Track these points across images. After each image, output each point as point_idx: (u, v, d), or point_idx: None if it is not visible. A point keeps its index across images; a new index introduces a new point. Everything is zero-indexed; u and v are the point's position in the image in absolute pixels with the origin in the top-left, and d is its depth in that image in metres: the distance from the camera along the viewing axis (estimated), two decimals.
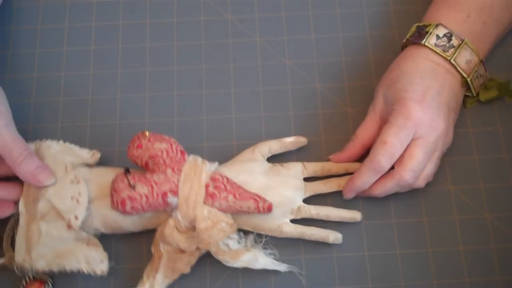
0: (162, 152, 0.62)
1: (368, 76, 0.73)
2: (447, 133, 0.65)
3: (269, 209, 0.62)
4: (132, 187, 0.60)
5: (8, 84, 0.73)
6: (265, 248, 0.63)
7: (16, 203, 0.63)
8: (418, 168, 0.63)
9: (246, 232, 0.64)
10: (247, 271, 0.63)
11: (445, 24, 0.67)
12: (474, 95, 0.69)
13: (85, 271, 0.61)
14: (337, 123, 0.71)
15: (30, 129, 0.70)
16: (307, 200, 0.65)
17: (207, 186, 0.61)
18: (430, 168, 0.64)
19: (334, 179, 0.66)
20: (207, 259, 0.63)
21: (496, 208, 0.67)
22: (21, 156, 0.62)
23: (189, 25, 0.76)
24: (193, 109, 0.72)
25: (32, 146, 0.65)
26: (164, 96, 0.73)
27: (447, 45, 0.66)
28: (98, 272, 0.61)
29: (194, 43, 0.75)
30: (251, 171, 0.64)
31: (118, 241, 0.65)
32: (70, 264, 0.61)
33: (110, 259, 0.62)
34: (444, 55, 0.66)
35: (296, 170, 0.66)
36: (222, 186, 0.62)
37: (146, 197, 0.60)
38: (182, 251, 0.62)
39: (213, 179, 0.62)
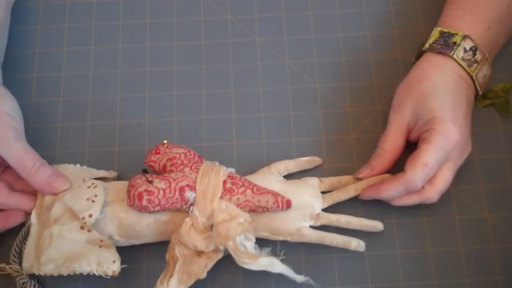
0: (180, 155, 0.62)
1: (368, 76, 0.73)
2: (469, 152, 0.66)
3: (288, 204, 0.61)
4: (150, 182, 0.60)
5: (8, 84, 0.73)
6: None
7: (27, 213, 0.63)
8: (446, 189, 0.64)
9: (261, 246, 0.62)
10: (247, 272, 0.63)
11: (471, 36, 0.66)
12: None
13: (95, 273, 0.60)
14: (337, 123, 0.71)
15: (30, 129, 0.70)
16: (325, 210, 0.65)
17: (224, 182, 0.61)
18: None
19: (351, 185, 0.65)
20: None
21: (496, 208, 0.67)
22: (34, 167, 0.62)
23: (189, 25, 0.76)
24: (193, 109, 0.72)
25: None
26: (164, 96, 0.73)
27: (472, 59, 0.66)
28: (109, 273, 0.60)
29: (194, 43, 0.75)
30: (268, 181, 0.64)
31: None
32: (80, 266, 0.59)
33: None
34: (468, 70, 0.66)
35: (313, 182, 0.65)
36: (240, 183, 0.61)
37: (164, 191, 0.59)
38: (198, 254, 0.60)
39: (230, 176, 0.62)
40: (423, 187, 0.63)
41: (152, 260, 0.65)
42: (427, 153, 0.62)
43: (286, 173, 0.67)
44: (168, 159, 0.62)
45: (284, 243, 0.64)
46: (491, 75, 0.69)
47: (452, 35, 0.66)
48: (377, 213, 0.66)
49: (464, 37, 0.66)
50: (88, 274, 0.60)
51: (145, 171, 0.61)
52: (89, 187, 0.62)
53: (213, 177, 0.61)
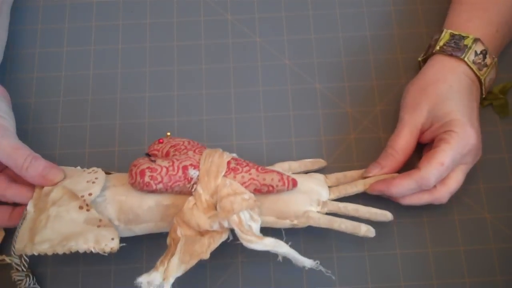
0: (183, 141, 0.62)
1: (368, 76, 0.73)
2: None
3: (294, 183, 0.60)
4: (153, 161, 0.59)
5: (8, 84, 0.73)
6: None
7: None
8: (456, 191, 0.64)
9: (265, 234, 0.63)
10: (247, 271, 0.63)
11: (482, 40, 0.66)
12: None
13: (93, 250, 0.57)
14: (337, 123, 0.71)
15: (30, 129, 0.70)
16: None
17: (228, 163, 0.60)
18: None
19: (359, 180, 0.65)
20: (207, 260, 0.63)
21: (496, 208, 0.67)
22: (26, 162, 0.62)
23: (189, 25, 0.76)
24: (193, 109, 0.72)
25: None
26: (164, 96, 0.73)
27: (482, 63, 0.66)
28: (108, 250, 0.57)
29: (194, 43, 0.75)
30: None
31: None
32: (77, 244, 0.57)
33: (110, 258, 0.62)
34: (479, 74, 0.66)
35: (319, 177, 0.65)
36: (244, 163, 0.61)
37: (167, 169, 0.58)
38: (201, 234, 0.58)
39: (234, 158, 0.61)
40: (435, 186, 0.63)
41: (152, 260, 0.65)
42: (445, 153, 0.61)
43: (290, 173, 0.67)
44: (171, 146, 0.62)
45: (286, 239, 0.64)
46: (496, 78, 0.69)
47: (463, 37, 0.66)
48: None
49: (475, 40, 0.66)
50: (85, 252, 0.58)
51: (147, 155, 0.61)
52: (89, 173, 0.62)
53: (217, 157, 0.60)
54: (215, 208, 0.58)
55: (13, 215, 0.63)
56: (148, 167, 0.58)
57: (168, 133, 0.64)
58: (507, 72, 0.72)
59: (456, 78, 0.65)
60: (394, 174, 0.64)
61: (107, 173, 0.65)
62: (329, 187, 0.65)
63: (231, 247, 0.61)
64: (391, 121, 0.67)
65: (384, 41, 0.75)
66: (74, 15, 0.77)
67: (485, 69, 0.66)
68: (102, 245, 0.57)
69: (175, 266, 0.56)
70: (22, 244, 0.58)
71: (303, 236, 0.66)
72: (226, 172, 0.59)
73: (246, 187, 0.59)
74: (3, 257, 0.63)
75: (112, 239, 0.58)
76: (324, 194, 0.63)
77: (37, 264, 0.64)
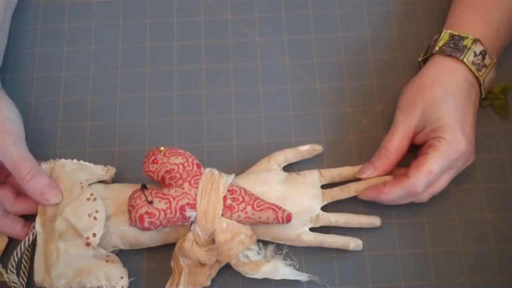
0: (178, 166, 0.62)
1: (368, 76, 0.73)
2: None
3: (288, 219, 0.61)
4: (150, 202, 0.60)
5: (8, 84, 0.73)
6: (284, 260, 0.63)
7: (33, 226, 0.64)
8: (439, 192, 0.64)
9: (265, 243, 0.64)
10: None
11: (481, 40, 0.66)
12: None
13: (105, 287, 0.61)
14: (337, 123, 0.71)
15: (30, 129, 0.70)
16: (324, 207, 0.65)
17: (224, 198, 0.61)
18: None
19: (351, 184, 0.65)
20: None
21: (496, 208, 0.67)
22: (29, 174, 0.62)
23: (189, 25, 0.76)
24: (193, 109, 0.72)
25: (46, 165, 0.65)
26: (164, 96, 0.73)
27: (481, 63, 0.65)
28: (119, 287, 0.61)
29: (194, 43, 0.75)
30: (268, 182, 0.64)
31: None
32: (90, 282, 0.60)
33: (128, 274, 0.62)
34: (477, 75, 0.66)
35: (313, 178, 0.65)
36: (240, 198, 0.61)
37: (164, 212, 0.60)
38: (202, 265, 0.62)
39: (230, 191, 0.62)
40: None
41: (152, 260, 0.65)
42: (434, 160, 0.62)
43: (286, 164, 0.67)
44: (166, 171, 0.62)
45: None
46: (495, 79, 0.69)
47: (463, 38, 0.66)
48: (377, 212, 0.66)
49: (475, 40, 0.66)
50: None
51: (144, 187, 0.61)
52: (88, 199, 0.62)
53: (213, 194, 0.61)
54: (213, 242, 0.61)
55: (25, 228, 0.64)
56: (147, 212, 0.59)
57: (162, 148, 0.63)
58: (508, 72, 0.72)
59: (453, 81, 0.65)
60: (386, 178, 0.65)
61: (102, 181, 0.65)
62: (324, 186, 0.66)
63: None
64: (391, 121, 0.67)
65: (384, 41, 0.75)
66: (74, 15, 0.77)
67: (484, 69, 0.66)
68: (113, 283, 0.61)
69: None
70: (40, 276, 0.61)
71: None
72: (222, 211, 0.61)
73: (242, 223, 0.61)
74: (2, 271, 0.63)
75: (121, 277, 0.61)
76: (317, 207, 0.64)
77: (31, 276, 0.64)
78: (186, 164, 0.62)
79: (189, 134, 0.71)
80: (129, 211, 0.60)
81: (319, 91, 0.73)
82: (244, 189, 0.62)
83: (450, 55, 0.66)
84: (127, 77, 0.74)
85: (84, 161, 0.67)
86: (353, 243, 0.64)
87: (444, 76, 0.65)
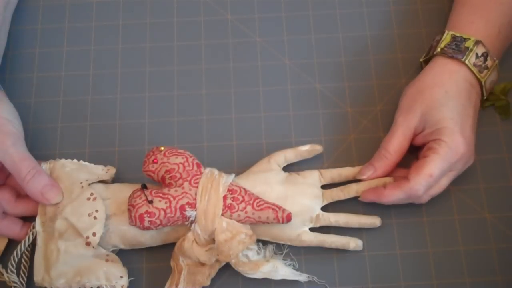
0: (178, 166, 0.62)
1: (368, 76, 0.73)
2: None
3: (288, 218, 0.61)
4: (150, 202, 0.60)
5: (8, 84, 0.73)
6: (284, 260, 0.63)
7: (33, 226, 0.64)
8: (438, 193, 0.64)
9: (265, 243, 0.64)
10: None
11: (483, 42, 0.66)
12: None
13: (105, 287, 0.61)
14: (337, 123, 0.71)
15: (30, 129, 0.70)
16: (325, 207, 0.65)
17: (224, 197, 0.61)
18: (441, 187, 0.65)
19: (352, 185, 0.65)
20: None
21: (496, 208, 0.67)
22: (29, 174, 0.62)
23: (189, 25, 0.76)
24: (193, 109, 0.72)
25: (46, 165, 0.65)
26: (164, 96, 0.73)
27: (483, 65, 0.65)
28: (118, 287, 0.61)
29: (194, 43, 0.75)
30: (268, 182, 0.64)
31: None
32: (90, 281, 0.60)
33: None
34: (479, 77, 0.66)
35: (313, 178, 0.65)
36: (240, 197, 0.61)
37: (164, 211, 0.60)
38: (202, 264, 0.62)
39: (230, 190, 0.62)
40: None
41: (152, 260, 0.65)
42: (434, 164, 0.62)
43: (286, 164, 0.67)
44: (166, 171, 0.62)
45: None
46: (497, 80, 0.69)
47: (465, 39, 0.66)
48: (377, 212, 0.66)
49: (477, 42, 0.66)
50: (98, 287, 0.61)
51: (144, 186, 0.61)
52: (88, 198, 0.62)
53: (213, 193, 0.61)
54: (213, 241, 0.61)
55: (24, 229, 0.64)
56: (147, 212, 0.59)
57: (162, 148, 0.63)
58: (508, 72, 0.72)
59: (454, 83, 0.65)
60: (387, 179, 0.65)
61: (102, 181, 0.65)
62: (324, 186, 0.66)
63: None
64: (391, 121, 0.67)
65: (384, 41, 0.75)
66: (74, 15, 0.77)
67: (486, 71, 0.66)
68: (113, 282, 0.61)
69: None
70: (40, 276, 0.61)
71: None
72: (222, 210, 0.61)
73: (242, 223, 0.61)
74: (2, 271, 0.63)
75: (121, 277, 0.61)
76: (317, 207, 0.64)
77: (31, 275, 0.64)
78: (186, 164, 0.62)
79: (189, 134, 0.71)
80: (129, 211, 0.60)
81: (319, 91, 0.73)
82: (244, 188, 0.62)
83: (452, 57, 0.66)
84: (127, 77, 0.74)
85: (84, 161, 0.67)
86: (353, 243, 0.64)
87: (445, 78, 0.65)
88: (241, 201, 0.61)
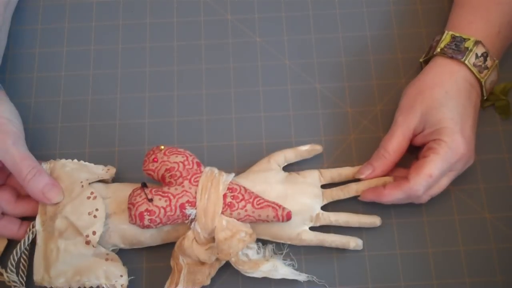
0: (178, 164, 0.62)
1: (368, 76, 0.73)
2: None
3: (288, 217, 0.61)
4: (150, 200, 0.60)
5: (8, 84, 0.73)
6: (284, 260, 0.63)
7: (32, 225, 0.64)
8: (438, 193, 0.64)
9: (264, 242, 0.64)
10: None
11: (483, 42, 0.66)
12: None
13: (105, 287, 0.61)
14: (337, 123, 0.71)
15: (30, 129, 0.70)
16: (325, 206, 0.65)
17: (224, 196, 0.61)
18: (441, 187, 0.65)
19: (351, 185, 0.65)
20: None
21: (496, 208, 0.67)
22: (29, 174, 0.62)
23: (189, 25, 0.76)
24: (193, 109, 0.72)
25: (46, 165, 0.65)
26: (164, 96, 0.73)
27: (483, 65, 0.65)
28: (118, 287, 0.61)
29: (194, 43, 0.75)
30: (268, 181, 0.64)
31: None
32: (89, 280, 0.60)
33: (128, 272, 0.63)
34: (479, 77, 0.65)
35: (313, 178, 0.65)
36: (240, 196, 0.61)
37: (164, 209, 0.59)
38: (202, 263, 0.62)
39: (230, 189, 0.62)
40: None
41: (152, 260, 0.65)
42: (433, 164, 0.62)
43: (285, 164, 0.67)
44: (166, 170, 0.62)
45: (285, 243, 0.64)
46: (497, 80, 0.69)
47: (464, 40, 0.66)
48: (377, 212, 0.66)
49: (476, 42, 0.66)
50: (98, 287, 0.61)
51: (144, 185, 0.61)
52: (88, 197, 0.62)
53: (212, 192, 0.61)
54: (213, 240, 0.61)
55: (22, 228, 0.64)
56: (147, 210, 0.59)
57: (162, 147, 0.63)
58: (508, 72, 0.72)
59: (454, 83, 0.65)
60: (387, 179, 0.65)
61: (102, 181, 0.65)
62: (324, 186, 0.66)
63: None
64: (391, 121, 0.67)
65: (384, 41, 0.75)
66: (74, 15, 0.77)
67: (485, 71, 0.66)
68: (113, 281, 0.61)
69: None
70: (40, 275, 0.61)
71: None
72: (222, 208, 0.61)
73: (242, 221, 0.61)
74: (2, 271, 0.63)
75: (121, 276, 0.61)
76: (317, 206, 0.64)
77: (30, 274, 0.64)
78: (186, 163, 0.62)
79: (189, 134, 0.71)
80: (129, 209, 0.60)
81: (319, 91, 0.73)
82: (244, 187, 0.62)
83: (451, 57, 0.66)
84: (127, 77, 0.74)
85: (84, 161, 0.67)
86: (353, 242, 0.64)
87: (445, 78, 0.65)
88: (241, 200, 0.61)
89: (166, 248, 0.64)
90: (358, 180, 0.66)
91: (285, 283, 0.63)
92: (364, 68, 0.74)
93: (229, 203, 0.61)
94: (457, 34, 0.67)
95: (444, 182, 0.64)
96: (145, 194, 0.60)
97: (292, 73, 0.74)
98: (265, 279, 0.62)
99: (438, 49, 0.67)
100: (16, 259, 0.62)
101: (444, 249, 0.65)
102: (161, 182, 0.62)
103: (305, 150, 0.67)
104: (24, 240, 0.63)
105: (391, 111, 0.69)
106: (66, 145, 0.70)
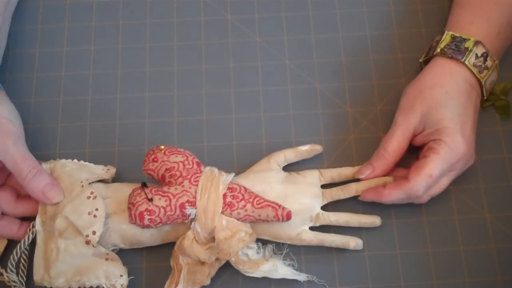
0: (178, 164, 0.62)
1: (368, 76, 0.73)
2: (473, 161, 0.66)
3: (288, 216, 0.61)
4: (150, 200, 0.59)
5: (8, 84, 0.73)
6: (284, 259, 0.63)
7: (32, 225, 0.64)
8: (438, 193, 0.64)
9: (264, 242, 0.64)
10: None
11: (483, 42, 0.66)
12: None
13: (105, 286, 0.61)
14: (337, 123, 0.71)
15: (30, 129, 0.70)
16: (325, 206, 0.65)
17: (224, 195, 0.61)
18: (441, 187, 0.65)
19: (352, 185, 0.65)
20: None
21: (496, 208, 0.67)
22: (30, 174, 0.62)
23: (189, 25, 0.76)
24: (193, 109, 0.72)
25: (46, 165, 0.65)
26: (164, 96, 0.73)
27: (483, 65, 0.65)
28: (118, 287, 0.61)
29: (194, 43, 0.75)
30: (268, 181, 0.64)
31: None
32: (89, 280, 0.61)
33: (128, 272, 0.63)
34: (479, 77, 0.65)
35: (313, 178, 0.65)
36: (240, 196, 0.61)
37: (164, 209, 0.59)
38: (202, 263, 0.62)
39: (230, 188, 0.62)
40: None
41: (152, 260, 0.65)
42: (434, 164, 0.62)
43: (285, 164, 0.67)
44: (166, 169, 0.62)
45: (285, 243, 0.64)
46: (497, 80, 0.69)
47: (464, 40, 0.66)
48: (377, 212, 0.66)
49: (476, 42, 0.66)
50: (98, 286, 0.61)
51: (144, 185, 0.61)
52: (88, 197, 0.62)
53: (212, 191, 0.61)
54: (213, 240, 0.61)
55: (22, 228, 0.64)
56: (147, 209, 0.59)
57: (162, 146, 0.63)
58: (508, 72, 0.72)
59: (454, 84, 0.65)
60: (387, 179, 0.65)
61: (102, 181, 0.65)
62: (324, 186, 0.66)
63: None
64: (391, 121, 0.67)
65: (384, 41, 0.75)
66: (74, 15, 0.77)
67: (485, 71, 0.66)
68: (113, 281, 0.61)
69: None
70: (40, 275, 0.61)
71: None
72: (222, 208, 0.61)
73: (242, 221, 0.61)
74: (2, 271, 0.63)
75: (121, 275, 0.61)
76: (317, 206, 0.64)
77: (30, 274, 0.64)
78: (186, 162, 0.62)
79: (189, 134, 0.71)
80: (129, 209, 0.60)
81: (319, 91, 0.73)
82: (244, 187, 0.62)
83: (451, 57, 0.66)
84: (127, 77, 0.74)
85: (84, 161, 0.67)
86: (353, 242, 0.64)
87: (445, 78, 0.65)
88: (241, 199, 0.61)
89: (166, 248, 0.64)
90: (358, 180, 0.66)
91: (285, 283, 0.64)
92: (364, 68, 0.74)
93: (229, 203, 0.61)
94: (457, 34, 0.67)
95: (444, 182, 0.64)
96: (145, 194, 0.60)
97: (292, 73, 0.74)
98: (265, 279, 0.62)
99: (438, 49, 0.67)
100: (16, 259, 0.62)
101: (444, 249, 0.65)
102: (161, 182, 0.62)
103: (305, 150, 0.67)
104: (24, 240, 0.63)
105: (391, 111, 0.69)
106: (66, 145, 0.70)
